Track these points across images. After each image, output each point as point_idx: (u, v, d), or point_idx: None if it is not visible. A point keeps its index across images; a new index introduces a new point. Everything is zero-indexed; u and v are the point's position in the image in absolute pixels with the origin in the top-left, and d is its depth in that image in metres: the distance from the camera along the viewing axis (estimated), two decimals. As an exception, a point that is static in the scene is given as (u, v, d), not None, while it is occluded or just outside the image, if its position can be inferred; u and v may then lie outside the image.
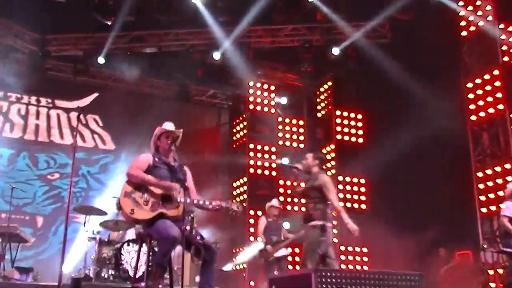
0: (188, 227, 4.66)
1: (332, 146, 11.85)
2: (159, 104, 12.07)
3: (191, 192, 4.94)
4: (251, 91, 12.13)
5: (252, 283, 10.52)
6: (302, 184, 6.51)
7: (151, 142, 5.11)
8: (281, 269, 8.49)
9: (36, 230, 10.46)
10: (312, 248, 6.15)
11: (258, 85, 12.22)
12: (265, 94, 12.26)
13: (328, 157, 11.84)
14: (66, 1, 9.86)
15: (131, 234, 8.14)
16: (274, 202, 9.15)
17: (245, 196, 11.54)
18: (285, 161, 11.82)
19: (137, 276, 5.48)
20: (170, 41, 11.45)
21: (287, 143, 12.29)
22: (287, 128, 12.43)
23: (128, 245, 7.63)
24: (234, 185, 12.08)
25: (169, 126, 5.07)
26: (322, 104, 12.47)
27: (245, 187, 11.63)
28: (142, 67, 11.76)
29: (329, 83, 12.26)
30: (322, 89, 12.47)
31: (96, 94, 11.67)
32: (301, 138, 12.51)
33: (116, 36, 11.04)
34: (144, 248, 5.23)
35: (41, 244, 10.40)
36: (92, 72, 11.63)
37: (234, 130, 12.55)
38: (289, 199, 11.77)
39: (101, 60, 11.16)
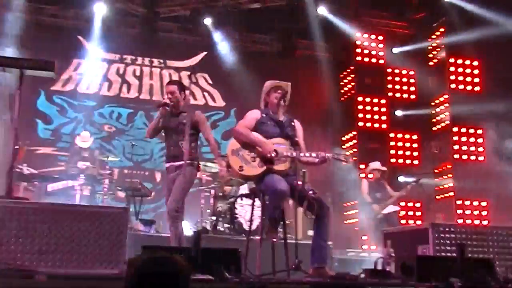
0: (300, 182, 4.68)
1: (446, 96, 11.29)
2: (264, 59, 12.14)
3: (300, 147, 4.93)
4: (358, 42, 11.79)
5: (364, 237, 10.48)
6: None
7: (261, 98, 5.16)
8: (391, 225, 8.53)
9: (155, 185, 11.07)
10: None
11: (365, 35, 11.86)
12: (373, 44, 11.88)
13: (442, 107, 11.33)
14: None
15: (244, 188, 8.38)
16: (377, 165, 9.24)
17: (355, 150, 11.40)
18: (398, 113, 11.55)
19: (251, 230, 5.64)
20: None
21: (397, 95, 11.89)
22: (397, 79, 12.00)
23: (242, 199, 7.88)
24: (344, 139, 11.95)
25: (277, 81, 5.08)
26: (434, 52, 11.84)
27: (355, 141, 11.48)
28: (248, 24, 11.86)
29: (441, 30, 11.58)
30: (433, 36, 11.81)
31: (204, 53, 11.94)
32: (412, 88, 12.03)
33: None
34: (257, 202, 5.35)
35: (160, 198, 10.97)
36: (200, 31, 11.84)
37: (342, 83, 12.32)
38: (400, 152, 11.48)
39: (207, 21, 11.42)
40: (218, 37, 11.92)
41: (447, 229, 4.37)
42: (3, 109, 8.70)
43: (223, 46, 11.93)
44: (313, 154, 4.84)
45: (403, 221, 10.64)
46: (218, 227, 7.93)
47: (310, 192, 4.73)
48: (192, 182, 5.67)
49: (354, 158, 10.89)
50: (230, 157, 4.83)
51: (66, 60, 11.15)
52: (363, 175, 10.27)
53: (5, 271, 3.55)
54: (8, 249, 3.85)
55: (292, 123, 5.09)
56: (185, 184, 5.40)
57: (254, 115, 5.00)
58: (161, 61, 12.02)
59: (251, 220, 5.31)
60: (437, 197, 10.97)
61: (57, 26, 11.29)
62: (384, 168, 9.44)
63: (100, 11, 10.94)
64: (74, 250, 3.98)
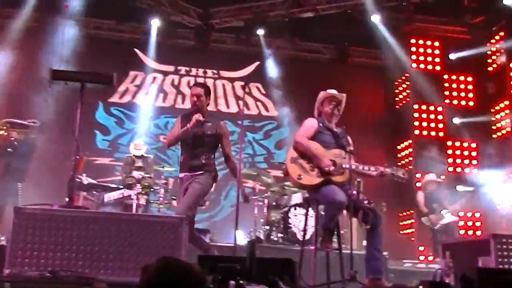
0: (355, 192, 4.65)
1: (507, 102, 10.89)
2: (318, 68, 12.09)
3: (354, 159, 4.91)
4: (413, 48, 11.57)
5: (421, 248, 10.23)
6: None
7: (315, 107, 5.15)
8: (449, 235, 8.40)
9: (209, 194, 11.10)
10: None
11: (421, 41, 11.63)
12: (429, 50, 11.63)
13: (502, 114, 10.94)
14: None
15: (296, 198, 8.36)
16: (432, 176, 9.16)
17: (410, 158, 11.16)
18: (456, 120, 11.23)
19: (305, 239, 5.61)
20: (328, 4, 11.29)
21: (455, 102, 11.57)
22: (454, 85, 11.68)
23: (295, 209, 7.86)
24: (399, 147, 11.72)
25: (332, 91, 5.07)
26: (494, 57, 11.46)
27: (410, 150, 11.25)
28: (301, 32, 11.86)
29: (501, 34, 11.20)
30: (493, 41, 11.45)
31: (257, 63, 12.01)
32: (470, 95, 11.68)
33: (274, 3, 11.29)
34: (311, 212, 5.32)
35: (214, 207, 11.10)
36: (253, 41, 11.92)
37: (397, 91, 12.11)
38: (458, 160, 11.15)
39: (260, 31, 11.50)
40: (271, 46, 11.99)
41: (510, 240, 4.20)
42: (64, 121, 9.03)
43: (276, 55, 11.98)
44: (372, 168, 4.82)
45: (462, 232, 10.34)
46: (271, 237, 7.93)
47: (365, 202, 4.69)
48: (207, 192, 5.55)
49: (410, 167, 10.69)
50: (289, 165, 4.84)
51: (123, 72, 11.45)
52: (419, 184, 10.07)
53: (66, 278, 3.67)
54: (70, 256, 3.98)
55: (346, 134, 5.06)
56: (201, 191, 5.32)
57: (311, 123, 5.00)
58: (215, 71, 12.18)
59: (304, 230, 5.29)
60: (498, 206, 10.58)
61: (114, 39, 11.66)
62: (440, 180, 9.29)
63: (155, 24, 11.22)
64: (131, 258, 4.07)
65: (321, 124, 4.97)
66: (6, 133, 7.71)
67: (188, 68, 12.07)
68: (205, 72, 12.15)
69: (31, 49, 10.03)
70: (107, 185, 8.49)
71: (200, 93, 5.48)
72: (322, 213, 5.29)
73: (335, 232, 4.88)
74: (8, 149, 7.76)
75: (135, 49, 11.67)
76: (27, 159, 7.96)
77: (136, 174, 8.26)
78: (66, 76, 4.85)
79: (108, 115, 11.44)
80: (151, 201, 8.36)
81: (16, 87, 9.80)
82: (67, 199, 4.66)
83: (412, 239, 10.64)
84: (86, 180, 7.96)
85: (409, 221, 10.94)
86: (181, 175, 5.46)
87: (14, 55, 10.00)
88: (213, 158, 5.51)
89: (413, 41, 11.57)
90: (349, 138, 5.09)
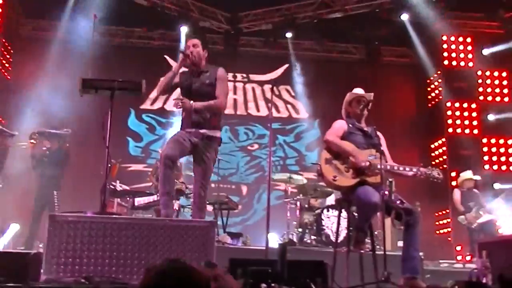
0: (387, 192, 4.59)
1: (543, 98, 10.63)
2: (348, 68, 12.02)
3: (386, 158, 4.84)
4: (445, 45, 11.38)
5: (458, 248, 10.04)
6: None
7: (343, 109, 5.10)
8: (488, 234, 8.25)
9: (241, 198, 11.21)
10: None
11: (453, 38, 11.43)
12: (461, 47, 11.43)
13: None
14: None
15: (330, 200, 8.30)
16: (468, 174, 9.02)
17: (444, 157, 10.97)
18: (490, 117, 10.97)
19: (338, 241, 5.55)
20: (357, 4, 11.20)
21: (489, 98, 11.32)
22: (488, 81, 11.43)
23: (328, 210, 7.80)
24: (432, 146, 11.53)
25: (359, 91, 5.01)
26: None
27: (444, 148, 11.05)
28: (329, 33, 11.80)
29: (537, 26, 10.92)
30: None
31: (286, 65, 11.99)
32: (505, 91, 11.41)
33: (302, 5, 11.28)
34: (344, 213, 5.27)
35: (247, 211, 11.13)
36: (282, 44, 11.91)
37: (429, 89, 11.92)
38: (494, 158, 10.90)
39: (288, 34, 11.48)
40: (300, 48, 11.95)
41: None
42: (97, 128, 9.16)
43: (305, 57, 11.94)
44: (407, 168, 4.75)
45: (501, 231, 10.10)
46: (305, 239, 7.89)
47: (398, 202, 4.63)
48: (215, 160, 5.13)
49: (445, 166, 10.51)
50: (324, 166, 4.78)
51: (154, 79, 11.53)
52: (454, 182, 9.90)
53: (100, 283, 3.71)
54: (103, 262, 4.03)
55: (377, 133, 5.00)
56: (212, 166, 5.00)
57: (341, 124, 4.95)
58: (244, 75, 12.21)
59: (337, 232, 5.23)
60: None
61: (144, 46, 11.82)
62: (477, 177, 9.10)
63: (184, 30, 11.31)
64: (164, 263, 4.09)
65: (350, 125, 4.91)
66: (35, 142, 7.87)
67: (217, 73, 12.11)
68: (234, 77, 12.19)
69: (61, 58, 10.24)
70: (141, 191, 8.57)
71: (196, 43, 5.13)
72: (355, 214, 5.23)
73: (369, 233, 4.82)
74: (43, 158, 7.93)
75: (165, 56, 11.79)
76: (62, 167, 8.11)
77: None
78: (96, 85, 4.91)
79: (140, 122, 11.59)
80: (183, 206, 8.40)
81: (48, 96, 10.00)
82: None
83: (449, 238, 10.45)
84: (119, 186, 8.05)
85: (445, 221, 10.75)
86: (188, 130, 5.02)
87: (48, 65, 10.23)
88: (218, 113, 5.13)
89: (444, 37, 11.39)
90: (381, 136, 5.02)
